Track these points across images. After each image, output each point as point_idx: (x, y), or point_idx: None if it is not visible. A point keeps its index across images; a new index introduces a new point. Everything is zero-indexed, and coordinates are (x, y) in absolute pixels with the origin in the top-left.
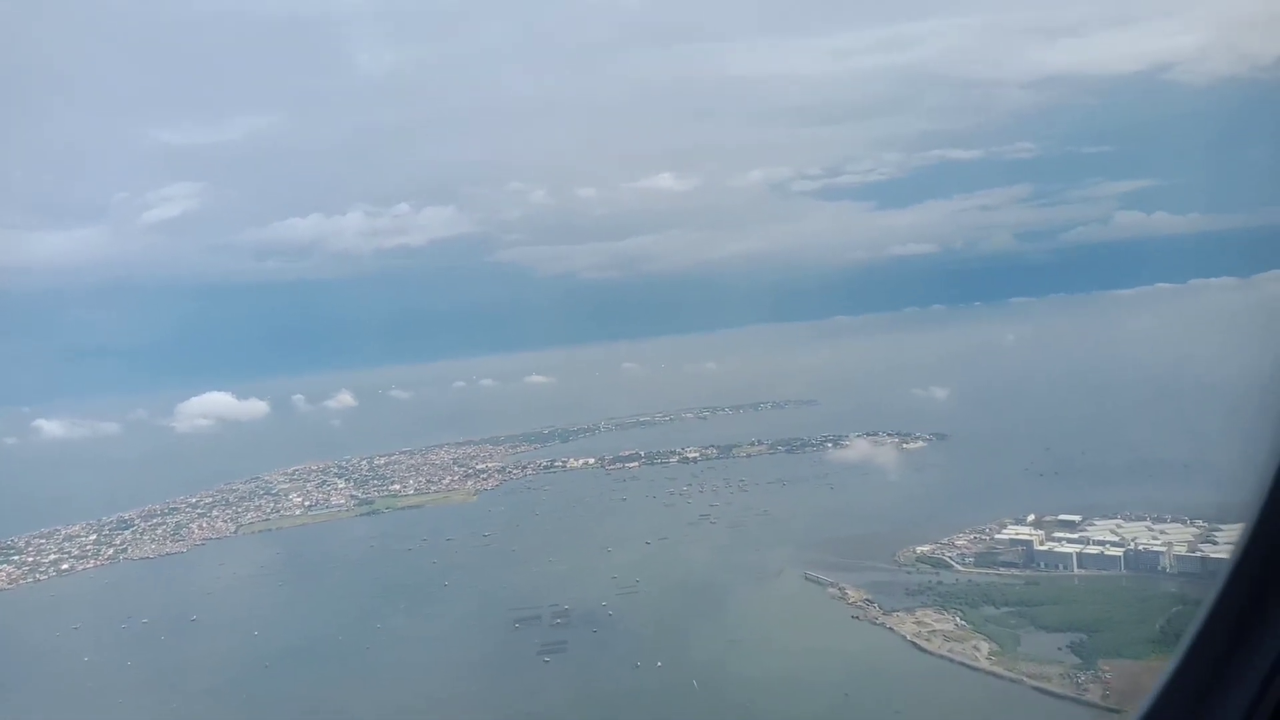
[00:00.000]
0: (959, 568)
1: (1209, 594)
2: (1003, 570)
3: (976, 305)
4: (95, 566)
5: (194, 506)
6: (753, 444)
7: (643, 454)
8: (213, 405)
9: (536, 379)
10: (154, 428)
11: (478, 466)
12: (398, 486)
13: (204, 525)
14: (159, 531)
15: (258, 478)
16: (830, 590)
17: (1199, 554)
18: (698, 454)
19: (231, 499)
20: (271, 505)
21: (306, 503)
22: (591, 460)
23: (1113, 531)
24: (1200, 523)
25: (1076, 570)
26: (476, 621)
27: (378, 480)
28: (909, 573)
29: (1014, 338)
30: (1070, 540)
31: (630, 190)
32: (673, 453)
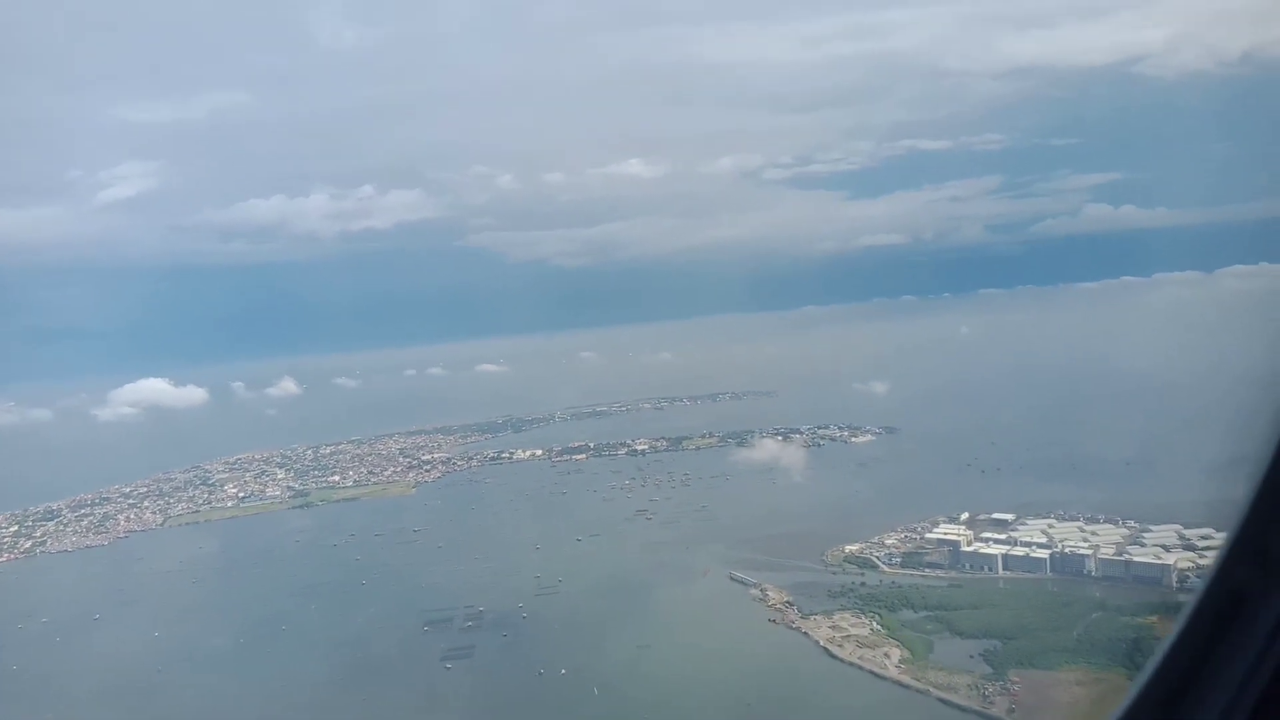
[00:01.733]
0: (885, 568)
1: (1191, 596)
2: (928, 571)
3: (946, 296)
4: (9, 560)
5: (127, 496)
6: (703, 436)
7: (592, 446)
8: (146, 393)
9: (488, 367)
10: (87, 415)
11: (423, 457)
12: (337, 478)
13: (132, 517)
14: (84, 523)
15: (198, 467)
16: (753, 591)
17: (1124, 558)
18: (647, 446)
19: (166, 489)
20: (205, 496)
21: (241, 494)
22: (539, 452)
23: (1043, 532)
24: (1132, 524)
25: (1002, 572)
26: (386, 624)
27: (318, 471)
28: (834, 573)
29: (974, 330)
30: (998, 541)
31: (599, 176)
32: (622, 444)
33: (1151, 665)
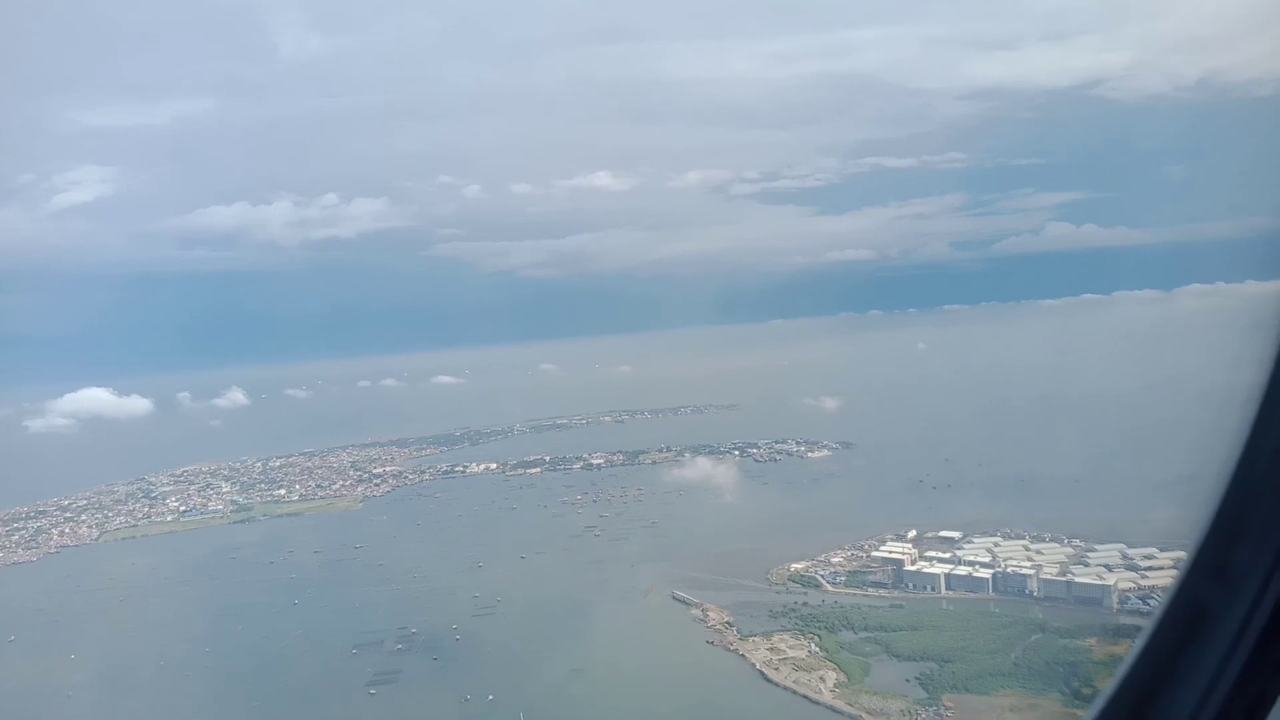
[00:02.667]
0: (829, 587)
1: (1152, 611)
2: (871, 591)
3: (911, 312)
4: None
5: (64, 510)
6: (661, 451)
7: (548, 459)
8: (87, 402)
9: (445, 379)
10: (19, 426)
11: (374, 471)
12: (283, 491)
13: (66, 531)
14: (15, 538)
15: (142, 479)
16: (694, 612)
17: (1066, 578)
18: (603, 460)
19: (107, 502)
20: (145, 510)
21: (183, 507)
22: (494, 465)
23: (988, 550)
24: (1077, 543)
25: (944, 592)
26: (314, 646)
27: (265, 484)
28: (778, 592)
29: (935, 346)
30: (941, 560)
31: (566, 188)
32: (578, 458)
33: (1114, 680)
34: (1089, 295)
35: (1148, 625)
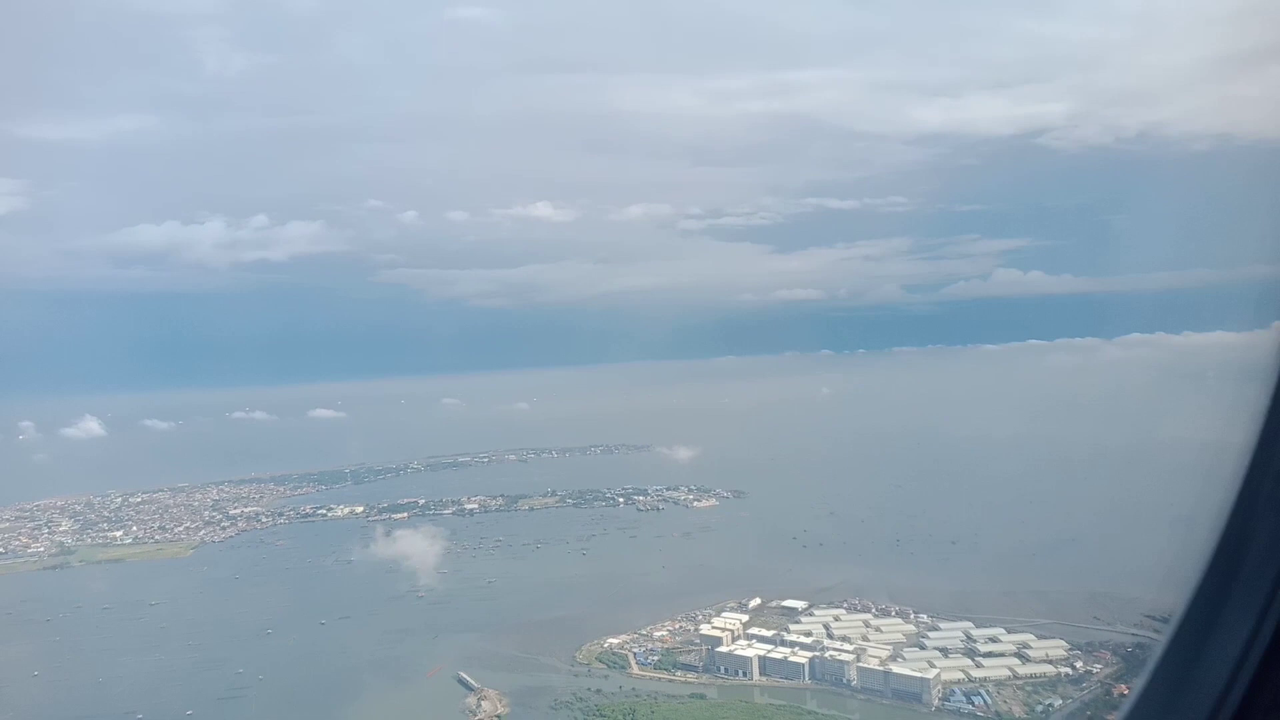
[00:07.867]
0: (636, 669)
1: (1168, 624)
2: (678, 675)
3: (861, 352)
4: None
5: None
6: (543, 496)
7: (420, 503)
8: None
9: (322, 413)
10: None
11: (231, 511)
12: (119, 533)
13: None
14: None
15: None
16: (469, 699)
17: (885, 669)
18: (477, 506)
19: None
20: None
21: (0, 550)
22: (359, 509)
23: (825, 625)
24: (924, 618)
25: (757, 678)
26: None
27: (106, 524)
28: (577, 674)
29: (863, 388)
30: (763, 640)
31: (505, 217)
32: (453, 502)
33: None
34: (1034, 341)
35: (1162, 639)
